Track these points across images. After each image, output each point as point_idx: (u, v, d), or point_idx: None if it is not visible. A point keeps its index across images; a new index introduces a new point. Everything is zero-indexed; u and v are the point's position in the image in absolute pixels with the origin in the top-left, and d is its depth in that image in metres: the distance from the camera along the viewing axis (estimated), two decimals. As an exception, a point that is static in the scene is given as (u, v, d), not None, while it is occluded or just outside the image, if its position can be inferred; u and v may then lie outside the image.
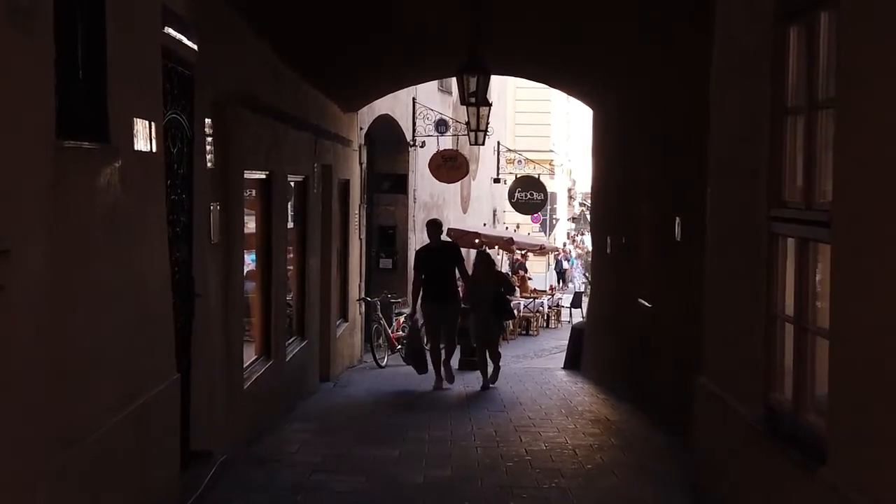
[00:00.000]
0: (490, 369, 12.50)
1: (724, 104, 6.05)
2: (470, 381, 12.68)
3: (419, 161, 20.13)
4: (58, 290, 3.98)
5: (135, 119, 5.10)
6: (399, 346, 16.59)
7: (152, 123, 5.39)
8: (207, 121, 7.06)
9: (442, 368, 12.36)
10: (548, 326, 26.29)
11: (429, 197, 21.56)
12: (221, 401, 7.35)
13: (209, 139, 7.09)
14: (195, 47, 6.65)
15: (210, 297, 7.08)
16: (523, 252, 29.97)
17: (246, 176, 8.53)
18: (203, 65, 6.85)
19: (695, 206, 9.16)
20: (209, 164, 7.09)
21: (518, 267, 30.13)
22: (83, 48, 4.41)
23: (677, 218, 9.67)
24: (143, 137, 5.23)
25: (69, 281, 4.16)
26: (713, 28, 6.26)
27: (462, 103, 10.94)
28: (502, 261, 30.11)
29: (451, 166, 19.92)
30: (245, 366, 8.45)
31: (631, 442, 8.85)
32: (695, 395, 6.48)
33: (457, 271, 12.37)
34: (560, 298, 28.82)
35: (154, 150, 5.43)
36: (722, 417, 5.81)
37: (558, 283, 33.57)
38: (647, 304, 11.10)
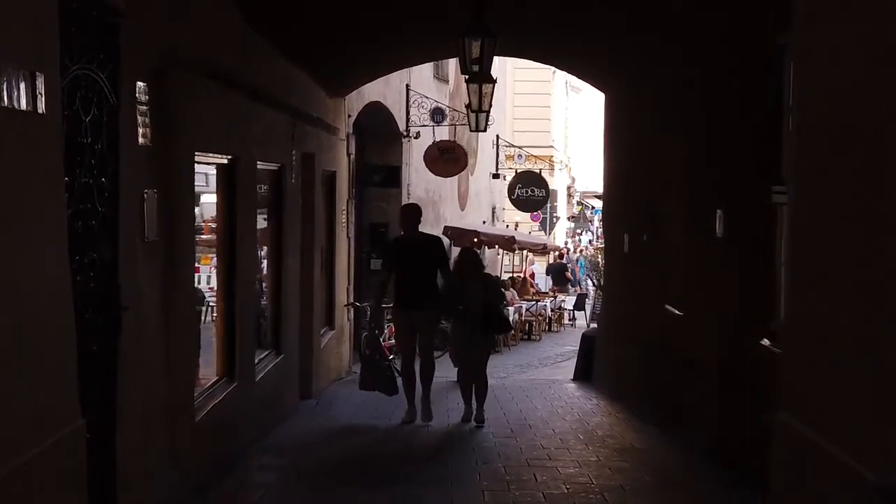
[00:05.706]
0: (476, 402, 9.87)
1: (817, 53, 4.53)
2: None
3: (413, 153, 18.58)
4: None
5: (2, 64, 3.57)
6: (391, 356, 15.02)
7: (37, 74, 3.85)
8: (141, 84, 5.53)
9: (419, 402, 9.84)
10: (550, 330, 24.85)
11: (424, 192, 20.02)
12: (161, 441, 5.82)
13: (143, 108, 5.55)
14: (120, -13, 5.15)
15: (145, 309, 5.56)
16: (559, 253, 29.06)
17: (201, 160, 7.00)
18: (136, 13, 5.35)
19: (744, 197, 7.70)
20: (143, 140, 5.56)
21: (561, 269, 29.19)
22: None
23: (718, 211, 8.18)
24: (20, 91, 3.70)
25: None
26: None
27: (462, 72, 9.36)
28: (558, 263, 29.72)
29: (447, 159, 18.38)
30: (200, 392, 6.92)
31: (671, 480, 7.35)
32: (774, 437, 4.95)
33: (439, 275, 9.83)
34: (563, 301, 27.34)
35: (41, 110, 3.89)
36: (824, 474, 4.28)
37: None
38: (676, 311, 9.62)
